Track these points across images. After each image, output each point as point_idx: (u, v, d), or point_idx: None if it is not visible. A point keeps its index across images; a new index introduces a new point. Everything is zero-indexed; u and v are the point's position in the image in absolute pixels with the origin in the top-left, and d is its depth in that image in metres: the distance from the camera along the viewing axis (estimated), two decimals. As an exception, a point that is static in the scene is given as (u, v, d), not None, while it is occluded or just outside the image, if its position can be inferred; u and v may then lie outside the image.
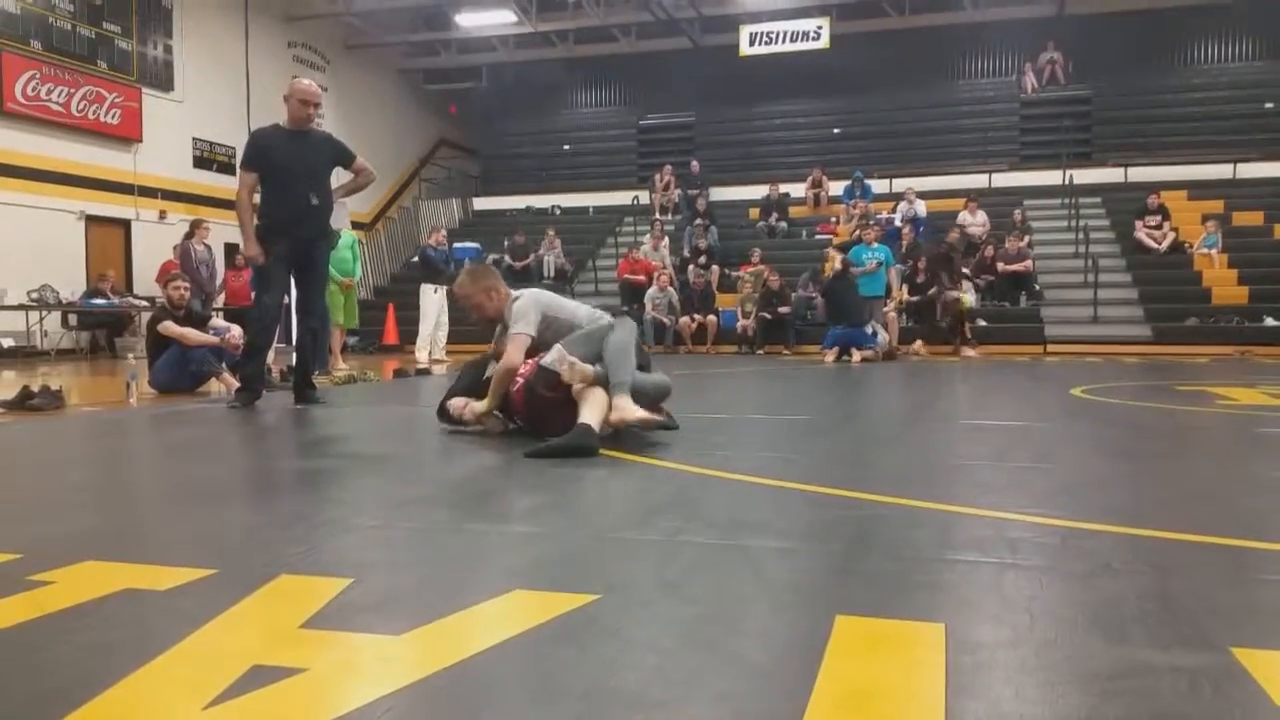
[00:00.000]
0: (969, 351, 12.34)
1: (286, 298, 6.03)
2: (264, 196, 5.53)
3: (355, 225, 18.41)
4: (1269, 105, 18.12)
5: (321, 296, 5.91)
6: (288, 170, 5.42)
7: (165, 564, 1.95)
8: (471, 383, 4.26)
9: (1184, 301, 13.71)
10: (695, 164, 18.89)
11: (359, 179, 5.79)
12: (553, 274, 16.94)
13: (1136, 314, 13.73)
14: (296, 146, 5.49)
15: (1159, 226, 14.99)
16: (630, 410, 3.61)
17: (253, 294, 5.95)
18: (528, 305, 3.98)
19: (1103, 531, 2.26)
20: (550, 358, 3.70)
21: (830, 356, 11.23)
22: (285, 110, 5.59)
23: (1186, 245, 14.77)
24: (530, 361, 3.89)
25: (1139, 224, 15.09)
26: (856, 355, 10.99)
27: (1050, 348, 13.04)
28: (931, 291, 12.93)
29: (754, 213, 18.06)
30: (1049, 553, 2.07)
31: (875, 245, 12.88)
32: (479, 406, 4.03)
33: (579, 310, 4.09)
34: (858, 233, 14.34)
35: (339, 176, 5.76)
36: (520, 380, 3.88)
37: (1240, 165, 16.66)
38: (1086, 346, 12.88)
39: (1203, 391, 6.67)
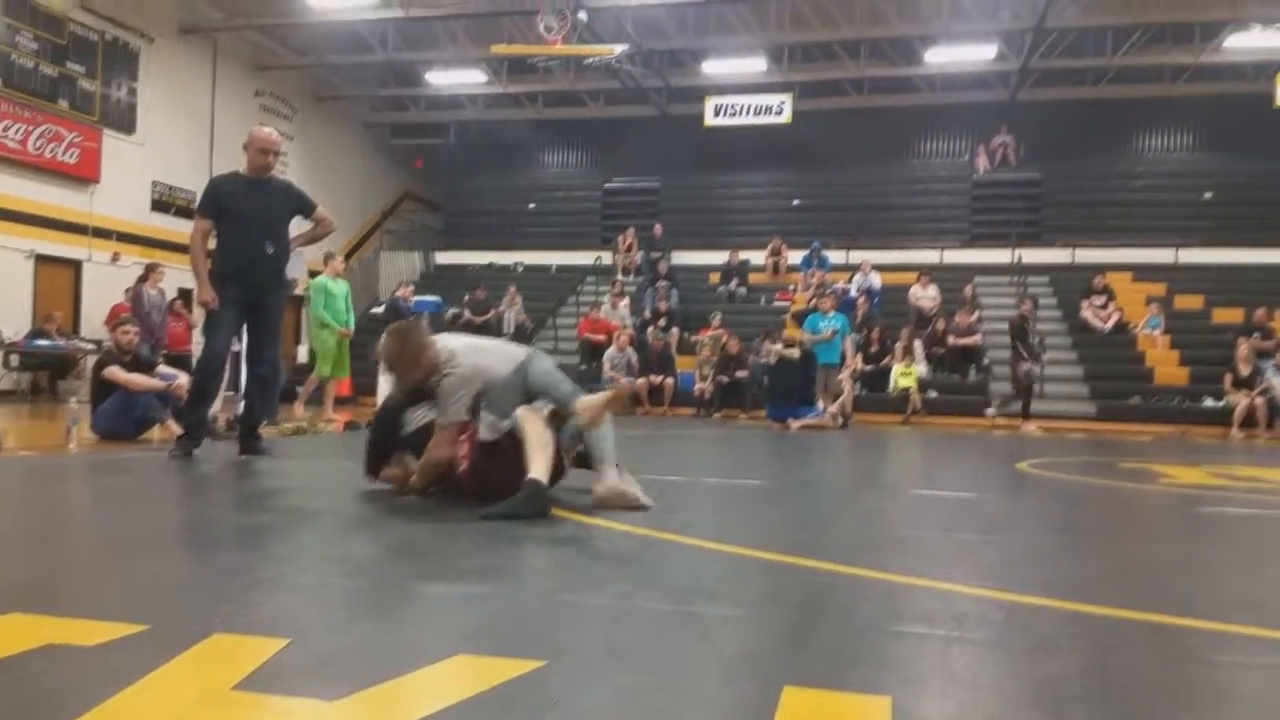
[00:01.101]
0: (1029, 427, 12.26)
1: (236, 345, 5.94)
2: (219, 244, 5.45)
3: (314, 274, 18.34)
4: (1208, 195, 18.91)
5: (272, 346, 5.76)
6: (244, 218, 5.36)
7: (94, 618, 1.88)
8: (389, 431, 4.04)
9: (1127, 380, 14.07)
10: (658, 227, 19.14)
11: (319, 228, 5.73)
12: (512, 330, 16.92)
13: (1081, 391, 14.05)
14: (255, 195, 5.43)
15: (1104, 306, 15.43)
16: (615, 485, 3.67)
17: (202, 340, 5.81)
18: (458, 386, 3.72)
19: (1047, 606, 2.28)
20: (485, 433, 3.66)
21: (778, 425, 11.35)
22: (245, 157, 5.54)
23: (1131, 326, 15.21)
24: (464, 442, 3.75)
25: (1085, 303, 15.54)
26: (795, 424, 11.08)
27: (997, 421, 13.25)
28: (1010, 362, 12.92)
29: (714, 277, 18.31)
30: (994, 627, 2.08)
31: (831, 314, 13.07)
32: (413, 483, 3.89)
33: (503, 363, 3.88)
34: (814, 301, 14.57)
35: (300, 225, 5.72)
36: (465, 463, 3.75)
37: (1182, 251, 17.30)
38: (1033, 421, 13.09)
39: (1145, 469, 6.80)
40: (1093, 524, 4.22)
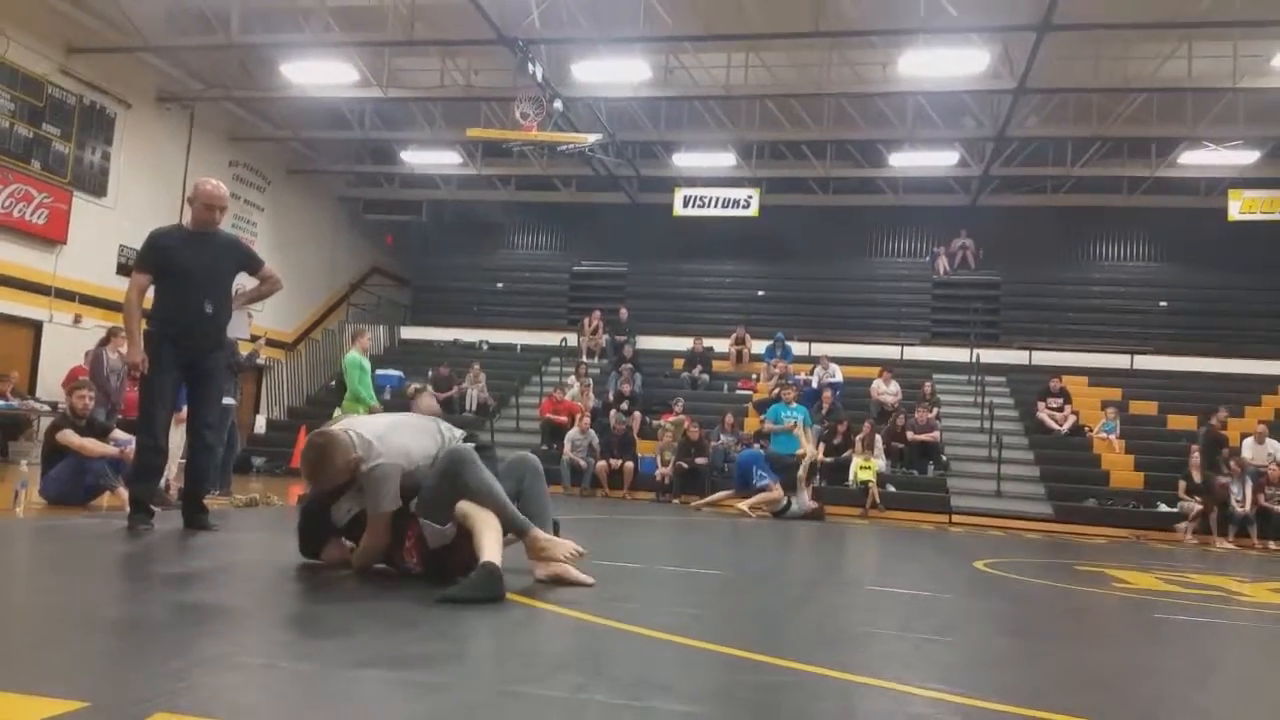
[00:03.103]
0: (1226, 544, 12.25)
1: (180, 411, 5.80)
2: (157, 300, 5.21)
3: (276, 344, 18.22)
4: (1163, 304, 19.54)
5: (215, 411, 5.54)
6: (185, 274, 5.11)
7: (32, 693, 1.81)
8: (317, 524, 3.93)
9: (1083, 482, 14.26)
10: (624, 311, 19.34)
11: (264, 286, 5.54)
12: (474, 408, 16.85)
13: (1038, 491, 14.20)
14: (198, 249, 5.19)
15: (1060, 409, 15.72)
16: (558, 568, 3.69)
17: (140, 408, 5.41)
18: (386, 477, 3.63)
19: (1000, 711, 2.28)
20: (434, 541, 3.64)
21: (744, 504, 11.40)
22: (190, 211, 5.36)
23: (1086, 429, 15.49)
24: (410, 541, 3.74)
25: (1041, 405, 15.82)
26: (744, 504, 11.15)
27: (955, 518, 13.34)
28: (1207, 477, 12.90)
29: (678, 363, 18.45)
30: (948, 731, 2.08)
31: (794, 405, 13.21)
32: (354, 566, 3.83)
33: (426, 441, 3.84)
34: (777, 390, 14.72)
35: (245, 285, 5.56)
36: (414, 558, 3.74)
37: (1137, 357, 17.76)
38: (989, 519, 13.21)
39: (1100, 573, 6.86)
40: (1049, 628, 4.24)
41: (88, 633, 2.55)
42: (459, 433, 4.11)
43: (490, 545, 3.45)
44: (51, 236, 14.16)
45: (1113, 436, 15.13)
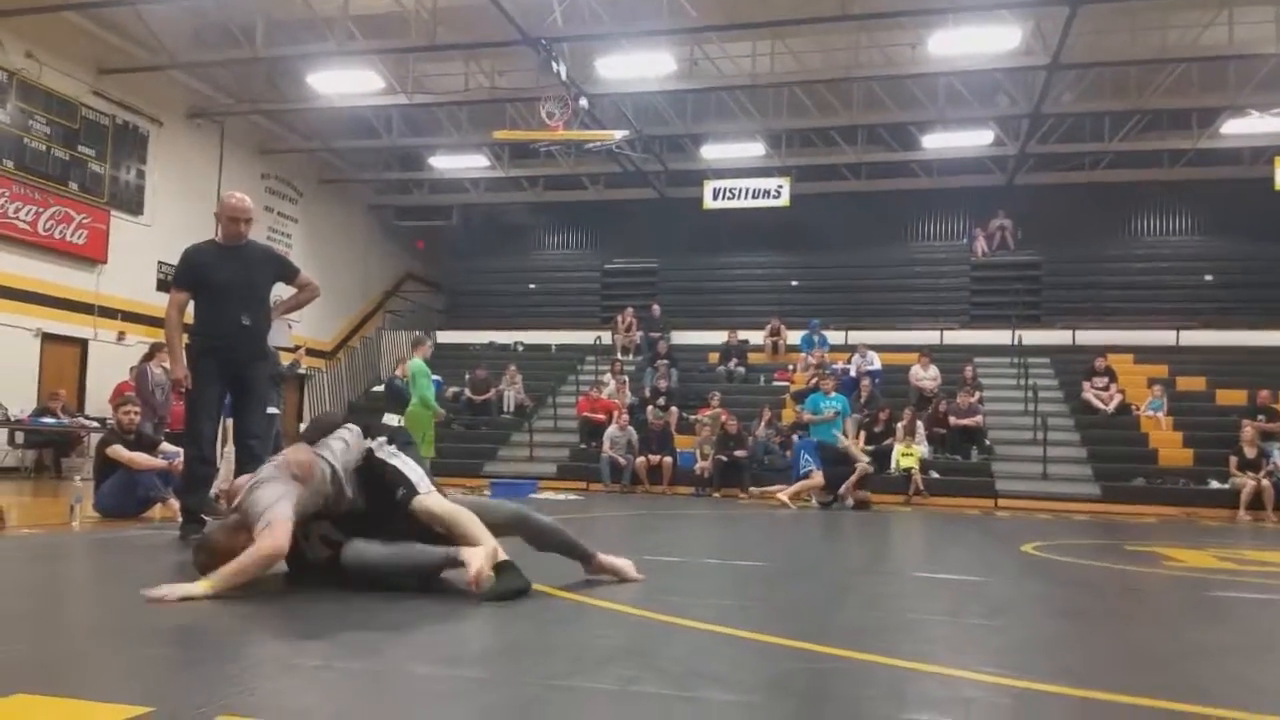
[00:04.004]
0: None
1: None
2: (195, 315, 5.27)
3: (316, 353, 18.45)
4: (1209, 278, 19.13)
5: (260, 421, 5.54)
6: (221, 288, 5.16)
7: (98, 699, 1.86)
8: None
9: (1131, 462, 14.02)
10: (656, 307, 19.32)
11: (302, 294, 5.53)
12: (512, 409, 16.96)
13: (1085, 472, 13.99)
14: (231, 262, 5.22)
15: (1106, 388, 15.46)
16: (609, 560, 3.69)
17: (186, 422, 5.45)
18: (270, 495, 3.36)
19: (1055, 693, 2.25)
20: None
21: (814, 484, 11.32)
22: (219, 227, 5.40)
23: (1133, 407, 15.21)
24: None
25: (1086, 385, 15.57)
26: (784, 493, 11.11)
27: (1001, 502, 13.18)
28: None
29: (713, 357, 18.41)
30: (1002, 713, 2.06)
31: (833, 395, 13.08)
32: (195, 589, 3.16)
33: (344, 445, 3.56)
34: (815, 380, 14.62)
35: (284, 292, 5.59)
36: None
37: (1183, 332, 17.39)
38: (1036, 502, 13.02)
39: (1151, 552, 6.75)
40: (1099, 608, 4.18)
41: (148, 640, 2.61)
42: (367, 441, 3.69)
43: (480, 533, 3.36)
44: (92, 256, 14.45)
45: (1160, 414, 14.86)
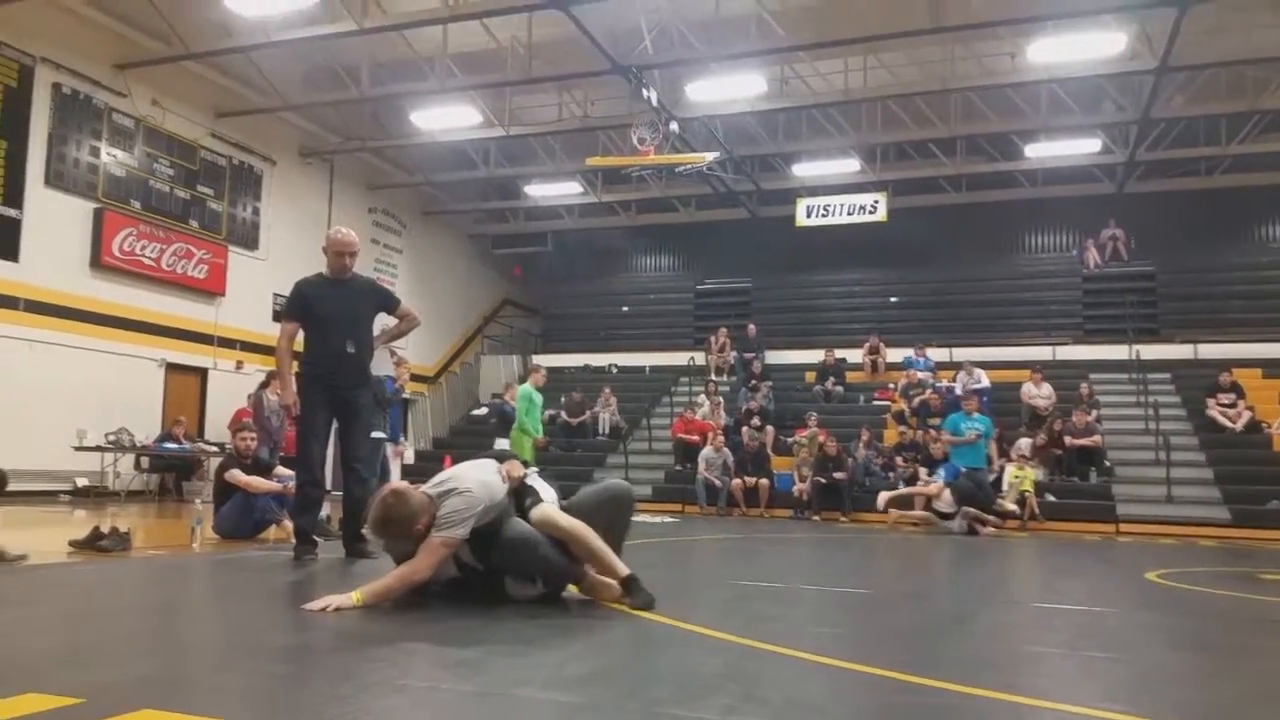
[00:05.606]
0: None
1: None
2: (306, 345, 5.59)
3: (419, 378, 18.96)
4: (1340, 284, 17.93)
5: (365, 445, 5.83)
6: (328, 318, 5.47)
7: (219, 716, 1.93)
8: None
9: (1264, 483, 13.12)
10: (751, 327, 19.18)
11: (403, 324, 5.84)
12: (607, 431, 17.05)
13: (1213, 495, 13.18)
14: (338, 294, 5.54)
15: (1233, 405, 14.60)
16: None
17: (296, 447, 5.79)
18: (472, 502, 3.59)
19: (1186, 733, 2.12)
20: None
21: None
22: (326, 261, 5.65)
23: (1264, 425, 14.32)
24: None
25: (1211, 402, 14.72)
26: (893, 513, 10.84)
27: (1122, 527, 12.55)
28: None
29: (810, 376, 18.15)
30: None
31: (975, 415, 12.67)
32: (345, 600, 3.50)
33: (498, 480, 3.76)
34: (962, 401, 14.03)
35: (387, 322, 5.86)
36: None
37: (1316, 343, 16.32)
38: (1160, 527, 12.37)
39: (1287, 579, 6.32)
40: (1231, 642, 3.93)
41: (260, 659, 2.70)
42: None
43: (612, 556, 3.70)
44: (211, 289, 15.22)
45: (1293, 431, 13.94)
